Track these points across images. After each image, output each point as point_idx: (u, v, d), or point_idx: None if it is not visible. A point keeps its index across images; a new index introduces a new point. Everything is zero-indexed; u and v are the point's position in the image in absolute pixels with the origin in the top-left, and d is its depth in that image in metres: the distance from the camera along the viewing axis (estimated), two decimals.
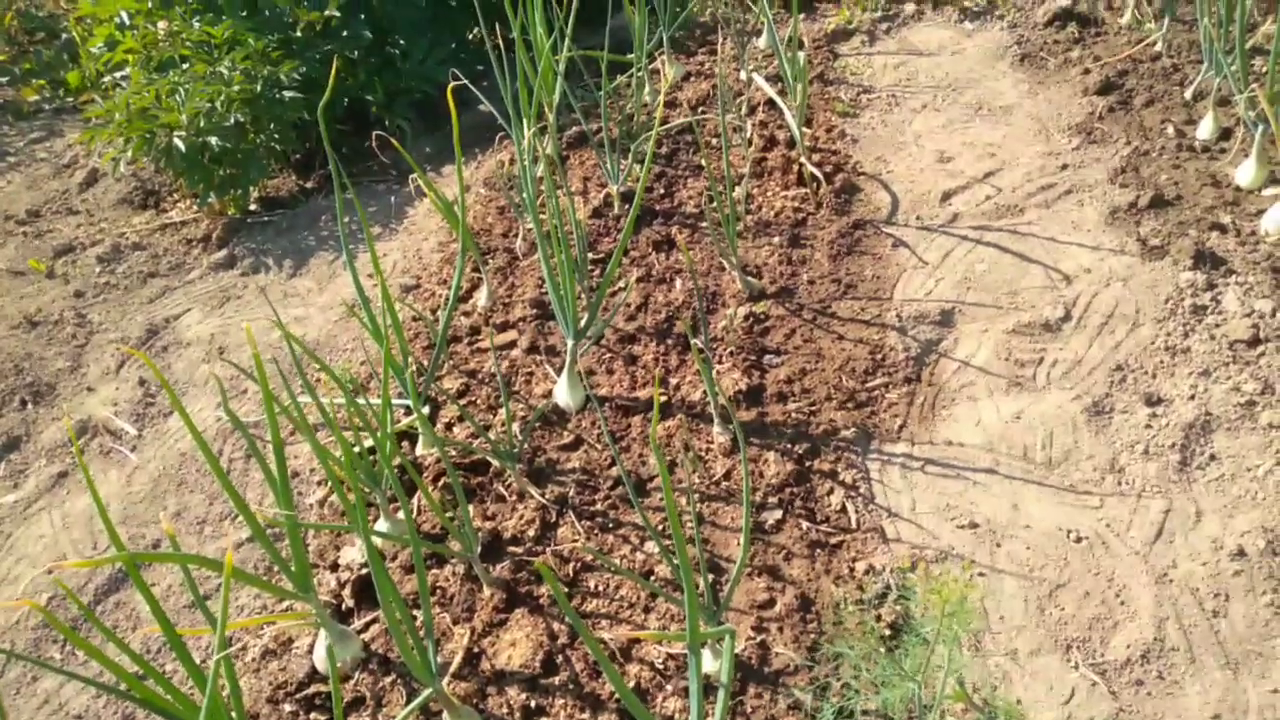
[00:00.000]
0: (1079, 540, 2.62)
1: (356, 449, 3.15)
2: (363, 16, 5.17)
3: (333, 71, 3.04)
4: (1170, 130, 4.06)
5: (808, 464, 2.96)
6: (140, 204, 5.34)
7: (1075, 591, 2.51)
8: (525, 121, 4.14)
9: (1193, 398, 2.95)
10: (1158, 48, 4.60)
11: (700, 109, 4.87)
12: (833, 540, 2.73)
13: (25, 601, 1.65)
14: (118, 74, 5.20)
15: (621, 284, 3.81)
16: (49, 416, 3.88)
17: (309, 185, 5.29)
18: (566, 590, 2.67)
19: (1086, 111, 4.30)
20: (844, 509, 2.82)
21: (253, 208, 5.10)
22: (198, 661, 2.70)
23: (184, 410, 2.11)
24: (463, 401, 3.40)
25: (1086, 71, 4.58)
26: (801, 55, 3.90)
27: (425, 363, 3.54)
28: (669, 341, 3.51)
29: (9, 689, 2.84)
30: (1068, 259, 3.53)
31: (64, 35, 6.93)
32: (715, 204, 3.80)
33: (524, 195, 3.51)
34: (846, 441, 3.02)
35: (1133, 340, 3.17)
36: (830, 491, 2.87)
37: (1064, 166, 4.00)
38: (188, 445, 3.57)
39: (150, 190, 5.39)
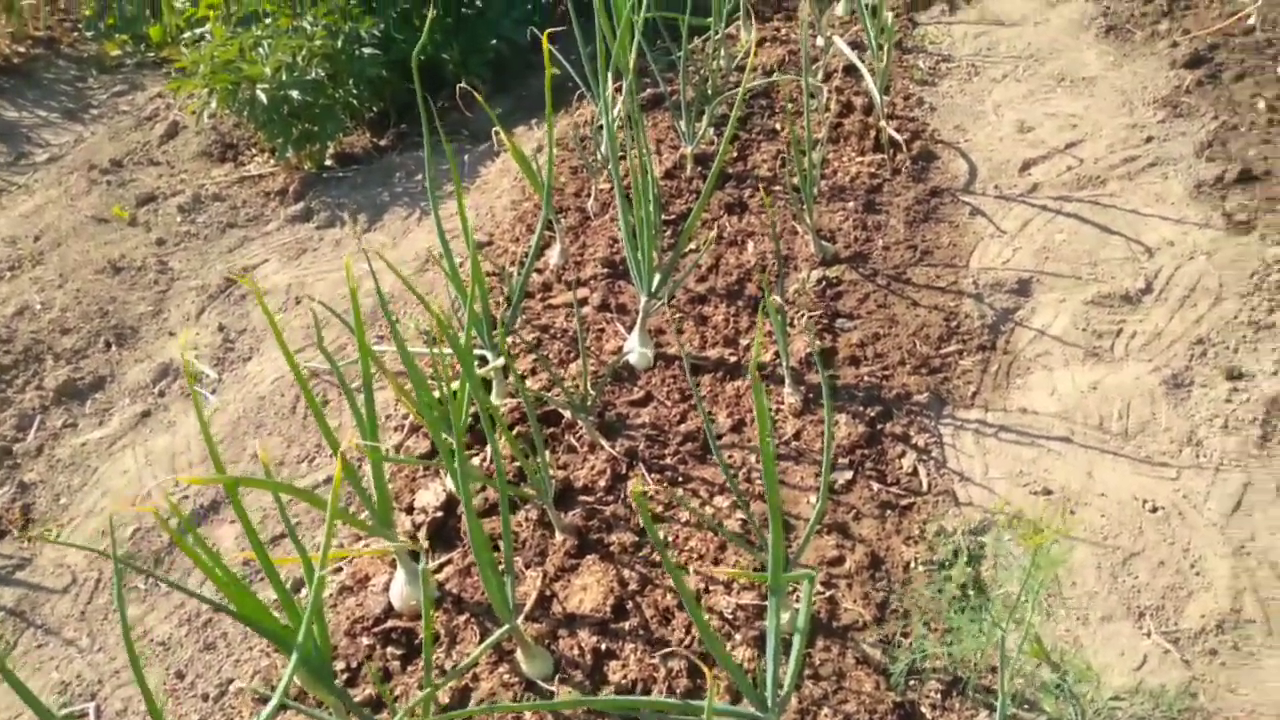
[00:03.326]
0: (1154, 510, 2.60)
1: (437, 394, 3.21)
2: None
3: (428, 20, 3.07)
4: (1261, 105, 3.96)
5: (879, 427, 2.96)
6: (219, 157, 5.45)
7: (1149, 560, 2.49)
8: (603, 81, 4.16)
9: (1276, 373, 2.89)
10: (1251, 21, 4.47)
11: (775, 74, 4.84)
12: (903, 502, 2.74)
13: (146, 507, 1.72)
14: (199, 29, 5.30)
15: (693, 245, 3.83)
16: (132, 358, 4.00)
17: (383, 143, 5.36)
18: (636, 540, 2.71)
19: (1173, 85, 4.21)
20: (915, 472, 2.82)
21: (328, 163, 5.18)
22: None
23: (281, 337, 2.17)
24: (535, 355, 3.44)
25: (1174, 45, 4.47)
26: (889, 14, 3.85)
27: (498, 316, 3.59)
28: (739, 303, 3.52)
29: (96, 615, 2.96)
30: (1150, 231, 3.47)
31: None
32: (790, 167, 3.79)
33: (604, 152, 3.52)
34: (919, 406, 3.02)
35: (1215, 314, 3.12)
36: (901, 454, 2.87)
37: (1148, 139, 3.92)
38: (266, 389, 3.67)
39: (229, 144, 5.50)
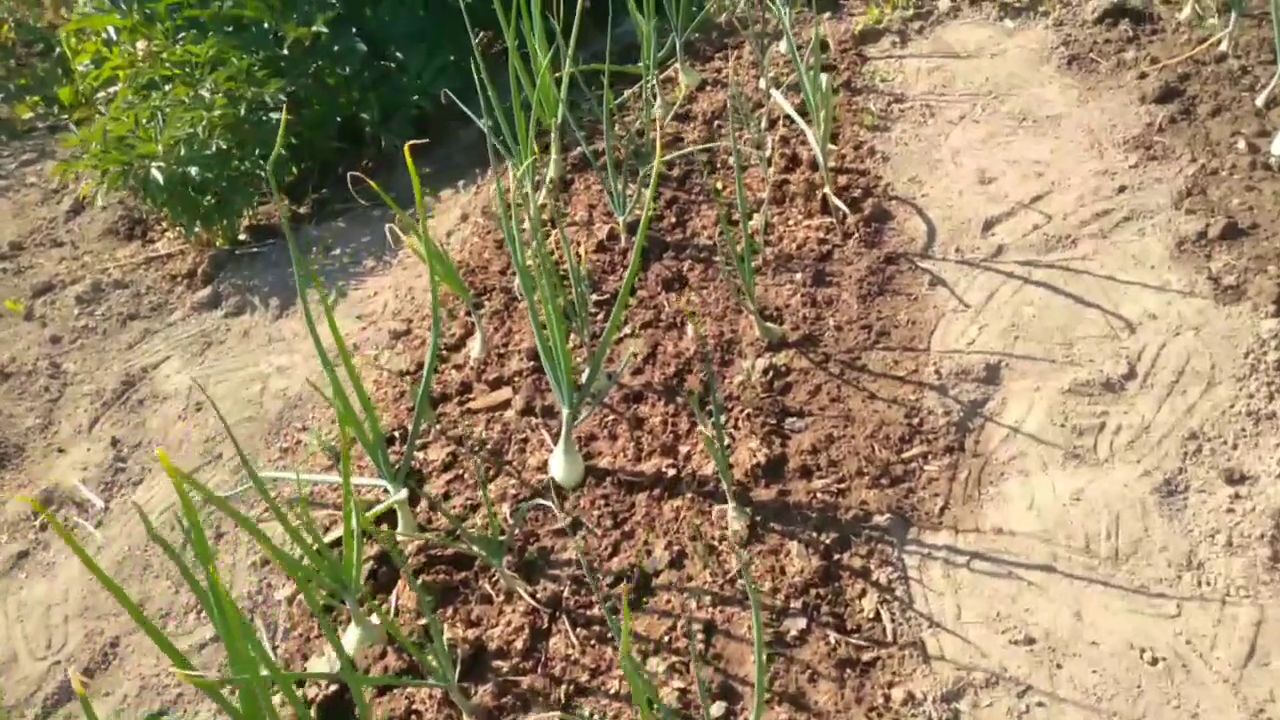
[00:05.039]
0: (1154, 662, 2.24)
1: (330, 536, 2.84)
2: (354, 30, 4.82)
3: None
4: (1241, 144, 3.61)
5: (836, 557, 2.59)
6: (127, 233, 5.06)
7: None
8: (521, 148, 3.78)
9: None
10: (1223, 47, 4.13)
11: (717, 122, 4.47)
12: (865, 657, 2.36)
13: None
14: (111, 90, 4.90)
15: (627, 330, 3.45)
16: (14, 482, 3.60)
17: (301, 210, 4.96)
18: (559, 718, 2.33)
19: (1144, 122, 3.86)
20: (878, 616, 2.44)
21: (242, 237, 4.79)
22: None
23: (86, 557, 1.78)
24: (449, 475, 3.06)
25: (1143, 75, 4.13)
26: (824, 79, 3.47)
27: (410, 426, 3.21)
28: (679, 400, 3.14)
29: None
30: (1129, 302, 3.12)
31: (58, 50, 6.65)
32: (729, 236, 3.42)
33: (508, 239, 3.15)
34: (880, 530, 2.64)
35: (1208, 403, 2.77)
36: (862, 594, 2.50)
37: (1121, 189, 3.56)
38: (155, 521, 3.27)
39: (137, 219, 5.10)
